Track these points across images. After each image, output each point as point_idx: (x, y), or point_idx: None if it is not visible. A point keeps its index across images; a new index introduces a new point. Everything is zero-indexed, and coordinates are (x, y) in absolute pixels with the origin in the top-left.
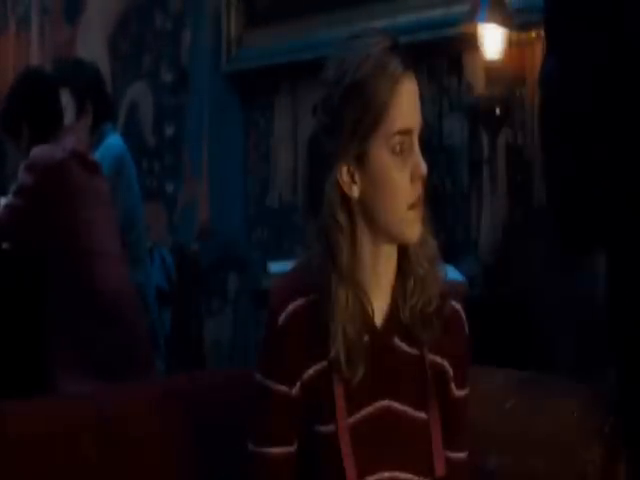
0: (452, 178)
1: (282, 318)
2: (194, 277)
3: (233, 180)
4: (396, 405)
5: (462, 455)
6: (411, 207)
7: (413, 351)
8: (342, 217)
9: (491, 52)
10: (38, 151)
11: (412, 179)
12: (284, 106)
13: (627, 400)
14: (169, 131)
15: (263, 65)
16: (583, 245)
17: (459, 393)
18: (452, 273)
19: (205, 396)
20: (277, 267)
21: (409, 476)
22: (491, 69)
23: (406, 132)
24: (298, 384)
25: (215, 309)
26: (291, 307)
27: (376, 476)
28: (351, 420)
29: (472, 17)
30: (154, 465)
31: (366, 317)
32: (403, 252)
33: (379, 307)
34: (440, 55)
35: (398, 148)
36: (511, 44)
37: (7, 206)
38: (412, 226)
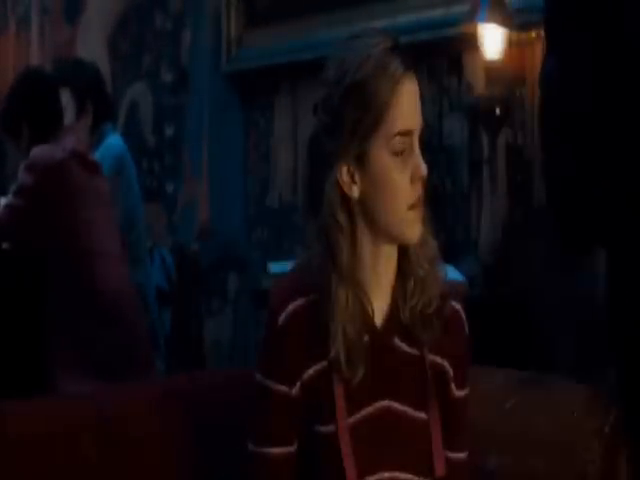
0: (452, 178)
1: (282, 318)
2: (194, 277)
3: (233, 180)
4: (396, 405)
5: (462, 455)
6: (411, 207)
7: (413, 351)
8: (342, 217)
9: (491, 52)
10: (38, 151)
11: (412, 180)
12: (284, 106)
13: (627, 400)
14: (169, 131)
15: (263, 65)
16: (583, 245)
17: (459, 393)
18: (452, 273)
19: (205, 396)
20: (277, 267)
21: (409, 476)
22: (491, 69)
23: (406, 133)
24: (298, 384)
25: (215, 309)
26: (291, 307)
27: (376, 476)
28: (351, 420)
29: (472, 17)
30: (154, 465)
31: (366, 317)
32: (403, 252)
33: (379, 307)
34: (440, 55)
35: (398, 149)
36: (511, 44)
37: (7, 206)
38: (412, 226)
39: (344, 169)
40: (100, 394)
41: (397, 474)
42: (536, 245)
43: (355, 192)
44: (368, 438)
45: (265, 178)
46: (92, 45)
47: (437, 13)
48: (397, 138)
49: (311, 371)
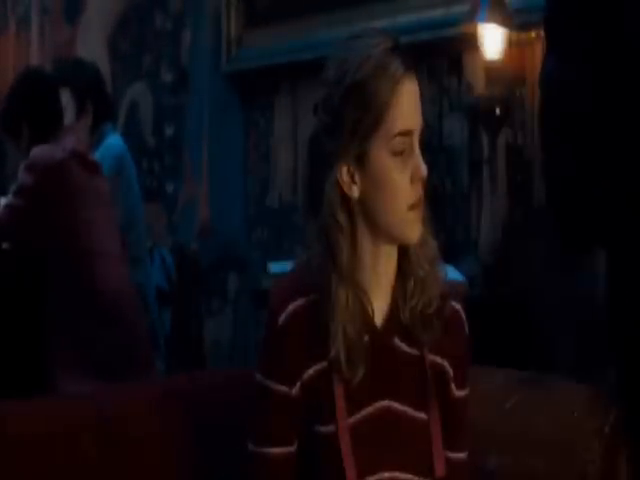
0: (452, 178)
1: (282, 318)
2: (194, 277)
3: (233, 180)
4: (396, 405)
5: (462, 455)
6: (411, 208)
7: (413, 351)
8: (342, 217)
9: (491, 52)
10: (38, 151)
11: (412, 180)
12: (284, 106)
13: (627, 400)
14: (169, 131)
15: (263, 65)
16: (583, 245)
17: (459, 393)
18: (452, 273)
19: (205, 396)
20: (277, 267)
21: (409, 476)
22: (491, 69)
23: (406, 133)
24: (298, 384)
25: (215, 309)
26: (291, 307)
27: (376, 476)
28: (351, 420)
29: (472, 17)
30: (154, 465)
31: (366, 317)
32: (403, 252)
33: (379, 307)
34: (440, 55)
35: (398, 149)
36: (511, 44)
37: (7, 206)
38: (412, 227)
39: (344, 169)
40: (100, 394)
41: (397, 474)
42: (536, 245)
43: (355, 192)
44: (368, 438)
45: (265, 178)
46: (92, 45)
47: (437, 13)
48: (397, 138)
49: (311, 371)
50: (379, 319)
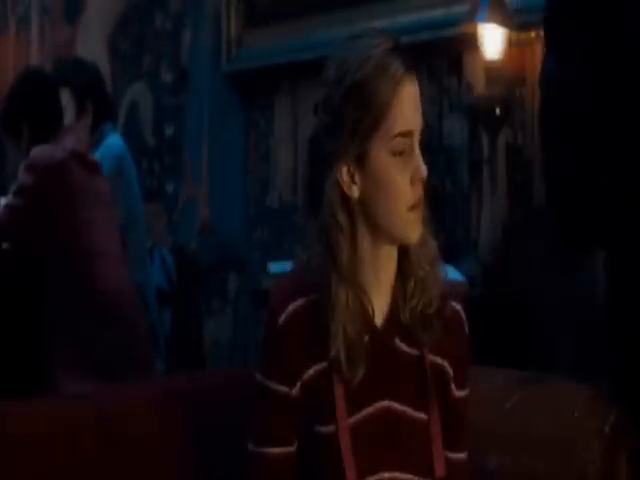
0: (452, 178)
1: (282, 318)
2: (194, 277)
3: (233, 180)
4: (396, 405)
5: (462, 456)
6: (411, 209)
7: (413, 351)
8: (342, 217)
9: (491, 52)
10: (38, 151)
11: (412, 181)
12: (284, 106)
13: (627, 400)
14: (169, 131)
15: (263, 65)
16: (583, 245)
17: (459, 393)
18: (452, 273)
19: (205, 396)
20: (277, 267)
21: (409, 477)
22: (491, 69)
23: (407, 134)
24: (298, 384)
25: (215, 309)
26: (291, 307)
27: (376, 477)
28: (351, 420)
29: (472, 17)
30: (154, 465)
31: (366, 317)
32: (404, 253)
33: (379, 307)
34: (440, 55)
35: (398, 149)
36: (511, 44)
37: (7, 206)
38: (412, 227)
39: (344, 169)
40: (100, 394)
41: (397, 474)
42: (536, 245)
43: (355, 192)
44: (368, 438)
45: (265, 178)
46: (92, 45)
47: (437, 13)
48: (397, 139)
49: (311, 371)
50: (379, 319)
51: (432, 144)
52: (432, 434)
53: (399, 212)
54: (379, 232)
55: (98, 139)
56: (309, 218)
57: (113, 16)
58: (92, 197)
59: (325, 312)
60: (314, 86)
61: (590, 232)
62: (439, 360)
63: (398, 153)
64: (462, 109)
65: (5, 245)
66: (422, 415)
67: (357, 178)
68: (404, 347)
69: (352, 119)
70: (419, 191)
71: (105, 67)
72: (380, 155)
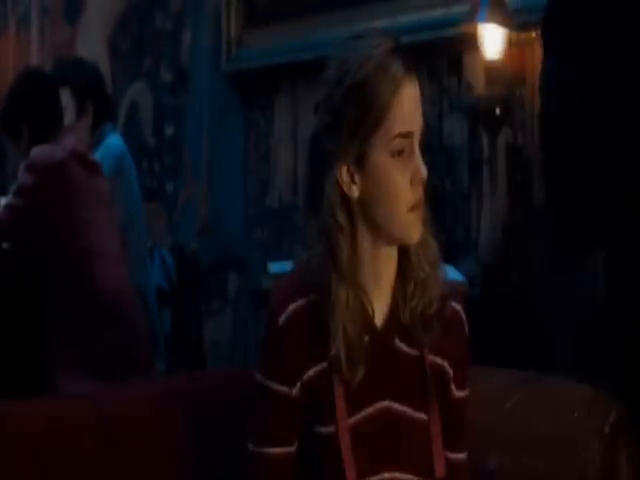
0: (452, 178)
1: (282, 318)
2: (194, 277)
3: (233, 180)
4: (396, 406)
5: (462, 456)
6: (411, 209)
7: (413, 352)
8: (342, 217)
9: (491, 52)
10: (38, 151)
11: (412, 182)
12: (284, 106)
13: (627, 400)
14: (169, 131)
15: (263, 65)
16: (583, 245)
17: (459, 394)
18: (452, 273)
19: (205, 396)
20: (277, 267)
21: (409, 477)
22: (491, 69)
23: (407, 135)
24: (298, 384)
25: (215, 309)
26: (291, 307)
27: (376, 477)
28: (351, 421)
29: (472, 17)
30: (154, 465)
31: (366, 318)
32: (404, 253)
33: (379, 308)
34: (440, 55)
35: (398, 150)
36: (511, 44)
37: (7, 206)
38: (412, 228)
39: (344, 169)
40: (100, 394)
41: (397, 475)
42: (536, 245)
43: (355, 192)
44: (368, 439)
45: (265, 178)
46: (92, 45)
47: (437, 13)
48: (397, 139)
49: (311, 372)
50: (379, 319)
51: (432, 144)
52: (432, 434)
53: (399, 212)
54: (379, 232)
55: (98, 139)
56: (309, 218)
57: (113, 16)
58: (92, 197)
59: (325, 312)
60: (314, 86)
61: (590, 232)
62: (439, 360)
63: (398, 153)
64: (462, 109)
65: (5, 245)
66: (422, 415)
67: (357, 178)
68: (404, 347)
69: (352, 119)
70: (419, 192)
71: (105, 67)
72: (380, 155)
